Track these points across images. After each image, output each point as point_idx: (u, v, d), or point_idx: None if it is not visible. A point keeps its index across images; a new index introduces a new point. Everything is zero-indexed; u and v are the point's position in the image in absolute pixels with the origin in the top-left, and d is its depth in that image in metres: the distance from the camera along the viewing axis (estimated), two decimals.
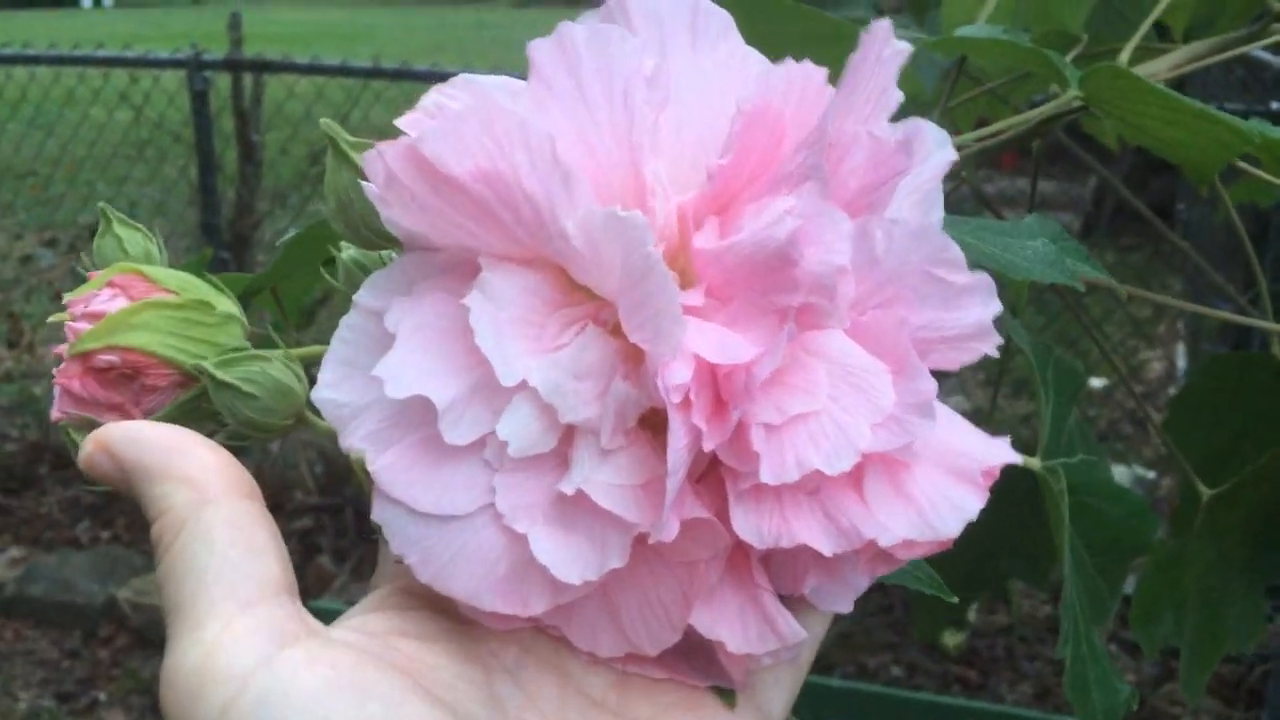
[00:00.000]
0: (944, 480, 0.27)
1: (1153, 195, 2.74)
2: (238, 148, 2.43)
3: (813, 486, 0.26)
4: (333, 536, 2.11)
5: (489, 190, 0.24)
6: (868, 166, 0.27)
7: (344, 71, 2.27)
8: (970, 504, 0.27)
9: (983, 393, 2.33)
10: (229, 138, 2.46)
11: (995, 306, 0.28)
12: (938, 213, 0.30)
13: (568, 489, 0.25)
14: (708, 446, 0.24)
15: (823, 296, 0.25)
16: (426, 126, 0.24)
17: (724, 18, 0.28)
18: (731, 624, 0.27)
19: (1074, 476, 0.58)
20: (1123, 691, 0.56)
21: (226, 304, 0.32)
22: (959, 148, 0.61)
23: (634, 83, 0.25)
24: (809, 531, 0.25)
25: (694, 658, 0.28)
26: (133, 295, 0.31)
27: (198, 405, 0.31)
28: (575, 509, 0.25)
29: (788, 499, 0.25)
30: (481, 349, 0.24)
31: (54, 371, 0.31)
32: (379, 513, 0.25)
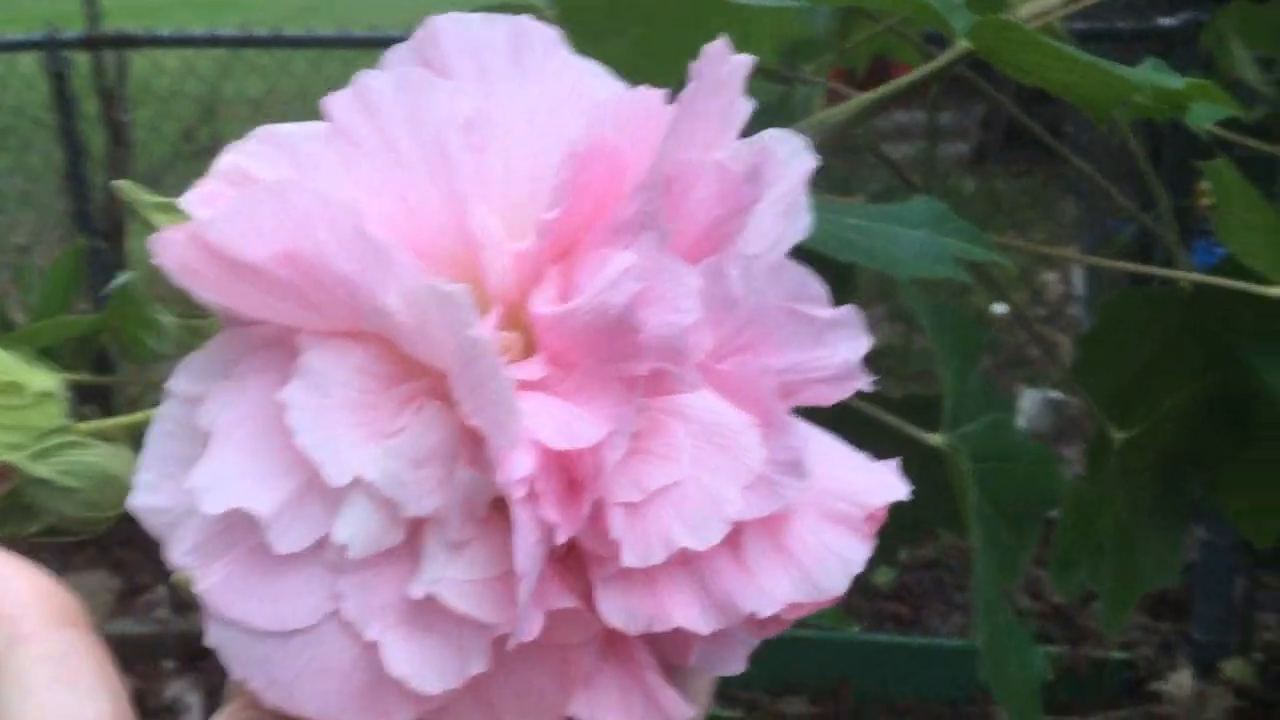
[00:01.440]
0: (827, 531, 0.25)
1: (1042, 118, 2.77)
2: (105, 130, 2.32)
3: (686, 558, 0.23)
4: None
5: (295, 273, 0.22)
6: (715, 199, 0.25)
7: (212, 42, 2.17)
8: (856, 555, 0.25)
9: (890, 328, 2.34)
10: (94, 120, 2.35)
11: (862, 343, 0.26)
12: (803, 219, 0.28)
13: (417, 592, 0.23)
14: (561, 539, 0.22)
15: (671, 360, 0.23)
16: (217, 207, 0.22)
17: (548, 37, 0.26)
18: (614, 709, 0.25)
19: (978, 443, 0.59)
20: (1038, 661, 0.58)
21: (41, 380, 0.29)
22: (842, 116, 0.60)
23: (447, 131, 0.24)
24: (684, 612, 0.23)
25: None
26: None
27: (14, 502, 0.28)
28: (430, 609, 0.23)
29: (659, 576, 0.24)
30: (305, 450, 0.22)
31: None
32: (213, 636, 0.23)
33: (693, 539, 0.23)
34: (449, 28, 0.25)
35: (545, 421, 0.23)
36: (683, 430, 0.24)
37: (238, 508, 0.22)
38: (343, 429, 0.23)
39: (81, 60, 2.28)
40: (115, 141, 2.31)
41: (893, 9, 0.61)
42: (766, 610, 0.24)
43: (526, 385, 0.23)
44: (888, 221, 0.46)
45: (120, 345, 0.40)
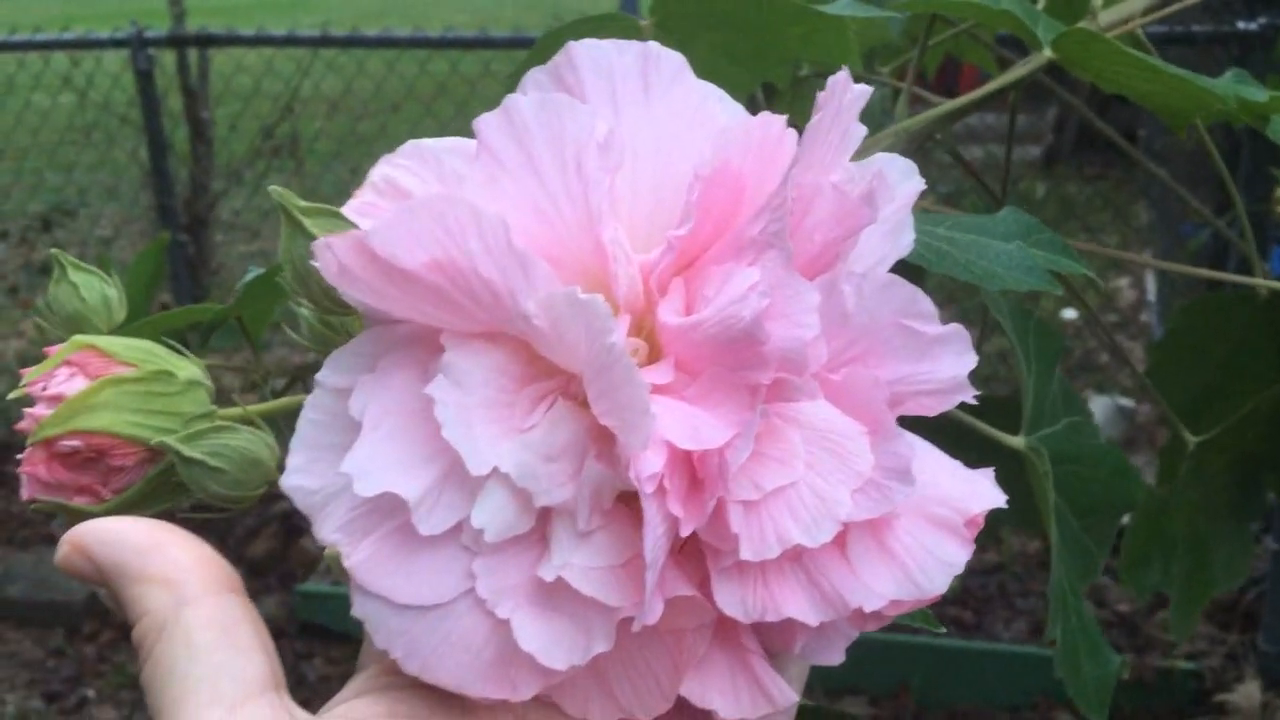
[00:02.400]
0: (928, 534, 0.27)
1: (1115, 122, 2.73)
2: (187, 126, 2.37)
3: (797, 554, 0.25)
4: None
5: (445, 279, 0.24)
6: (832, 221, 0.26)
7: (291, 41, 2.22)
8: (957, 558, 0.27)
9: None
10: (178, 116, 2.41)
11: (970, 359, 0.28)
12: (908, 236, 0.30)
13: (547, 575, 0.25)
14: (685, 531, 0.24)
15: (792, 371, 0.25)
16: (377, 216, 0.24)
17: (675, 61, 0.27)
18: (723, 691, 0.26)
19: (1058, 446, 0.59)
20: (1113, 661, 0.58)
21: (188, 369, 0.32)
22: (925, 123, 0.60)
23: (586, 151, 0.25)
24: (794, 603, 0.25)
25: (687, 716, 0.27)
26: (90, 373, 0.31)
27: (167, 480, 0.31)
28: (557, 591, 0.25)
29: (771, 570, 0.25)
30: (449, 440, 0.24)
31: (18, 458, 0.31)
32: (359, 608, 0.25)
33: (805, 536, 0.24)
34: (584, 53, 0.27)
35: (674, 423, 0.24)
36: (798, 436, 0.25)
37: (388, 491, 0.24)
38: (481, 424, 0.24)
39: (166, 58, 2.34)
40: (197, 138, 2.37)
41: (977, 18, 0.62)
42: (870, 605, 0.25)
43: (656, 389, 0.25)
44: (977, 233, 0.47)
45: (246, 338, 0.42)
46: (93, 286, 0.35)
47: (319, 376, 0.26)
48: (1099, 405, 2.22)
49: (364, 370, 0.25)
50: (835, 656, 0.28)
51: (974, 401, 0.28)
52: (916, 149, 0.59)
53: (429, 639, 0.25)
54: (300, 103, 2.67)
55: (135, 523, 0.27)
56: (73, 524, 0.27)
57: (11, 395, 0.31)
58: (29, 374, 0.31)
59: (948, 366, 0.27)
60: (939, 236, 0.45)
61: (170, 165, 2.33)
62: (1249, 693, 1.57)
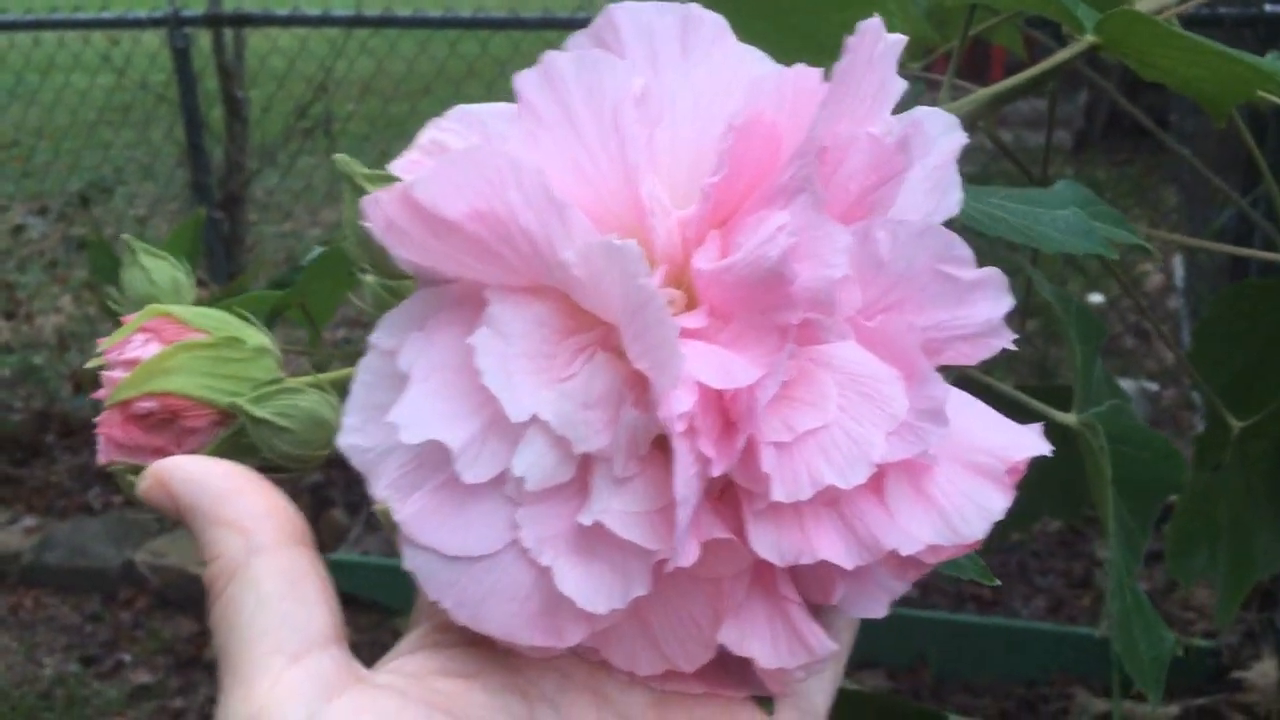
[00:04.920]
0: (968, 480, 0.27)
1: (1146, 107, 2.72)
2: (223, 105, 2.40)
3: (832, 498, 0.25)
4: (344, 490, 2.12)
5: (486, 229, 0.25)
6: (867, 168, 0.27)
7: (326, 22, 2.24)
8: (996, 504, 0.26)
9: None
10: (213, 96, 2.43)
11: (1006, 302, 0.27)
12: (955, 195, 0.29)
13: (586, 520, 0.25)
14: (716, 472, 0.24)
15: (821, 311, 0.25)
16: (422, 170, 0.25)
17: (716, 23, 0.28)
18: (762, 639, 0.27)
19: (1106, 426, 0.58)
20: (1168, 640, 0.58)
21: (257, 337, 0.33)
22: (974, 99, 0.60)
23: (623, 105, 0.25)
24: (830, 546, 0.25)
25: (731, 669, 0.28)
26: (165, 339, 0.32)
27: (238, 441, 0.32)
28: (597, 537, 0.25)
29: (807, 513, 0.25)
30: (489, 388, 0.25)
31: (95, 420, 0.32)
32: (409, 560, 0.26)
33: (838, 478, 0.24)
34: (624, 15, 0.27)
35: (705, 364, 0.24)
36: (831, 380, 0.25)
37: (432, 439, 0.25)
38: (522, 374, 0.25)
39: (202, 38, 2.37)
40: (232, 116, 2.40)
41: (1021, 6, 0.61)
42: (907, 549, 0.25)
43: (689, 333, 0.25)
44: (1031, 204, 0.46)
45: (308, 322, 0.43)
46: (163, 270, 0.36)
47: (371, 339, 0.26)
48: (1124, 388, 2.22)
49: (415, 330, 0.26)
50: (877, 609, 0.28)
51: (1013, 346, 0.28)
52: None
53: (477, 589, 0.26)
54: (333, 83, 2.69)
55: (218, 464, 0.28)
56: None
57: (90, 364, 0.32)
58: (105, 342, 0.32)
59: (984, 310, 0.27)
60: (993, 204, 0.45)
61: (206, 144, 2.35)
62: (1266, 670, 1.57)
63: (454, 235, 0.25)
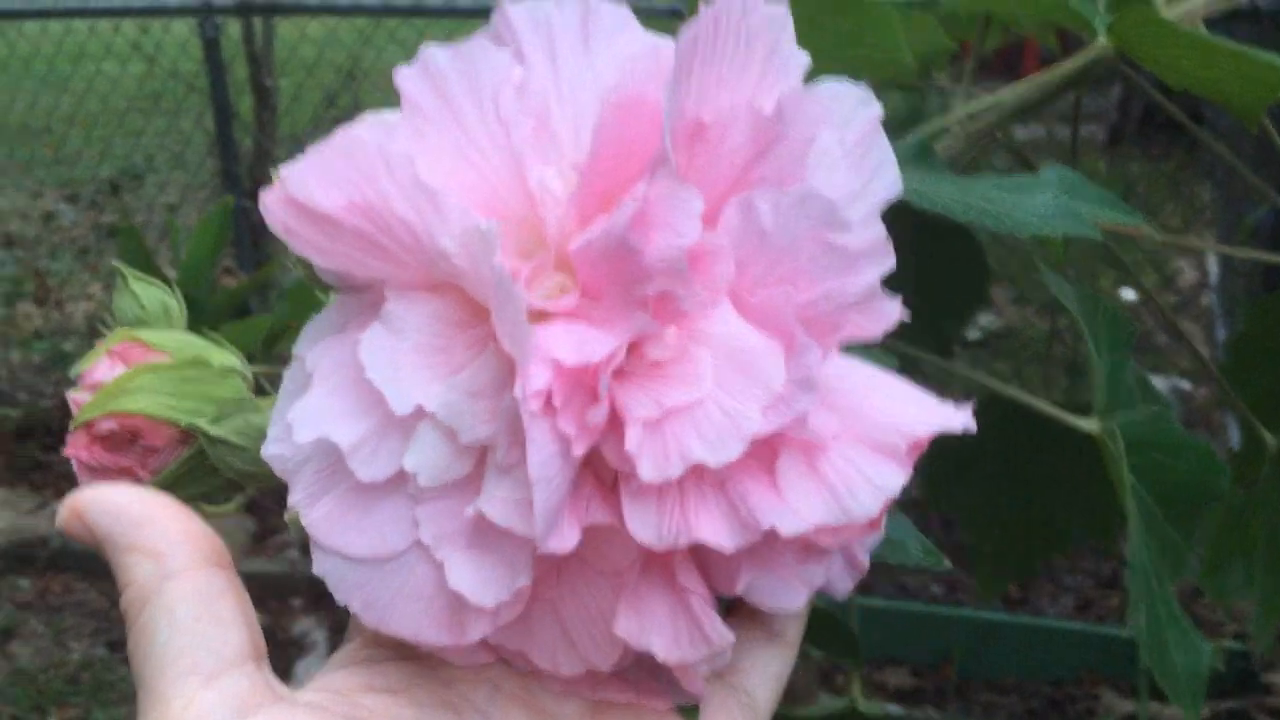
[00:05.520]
0: (863, 457, 0.25)
1: (1181, 101, 2.68)
2: (252, 94, 2.41)
3: (719, 478, 0.25)
4: None
5: (366, 222, 0.24)
6: (748, 142, 0.26)
7: (356, 11, 2.24)
8: (889, 480, 0.25)
9: (1015, 311, 2.31)
10: (243, 84, 2.44)
11: (887, 264, 0.27)
12: (889, 173, 0.28)
13: (470, 511, 0.25)
14: (578, 451, 0.24)
15: (674, 282, 0.24)
16: (293, 168, 0.24)
17: (619, 14, 0.27)
18: (661, 631, 0.26)
19: (1137, 432, 0.57)
20: (1205, 651, 0.56)
21: (225, 358, 0.33)
22: (992, 107, 0.58)
23: (502, 93, 0.25)
24: (709, 526, 0.24)
25: (659, 676, 0.27)
26: (130, 361, 0.32)
27: (201, 461, 0.32)
28: (486, 530, 0.25)
29: (691, 493, 0.25)
30: (373, 382, 0.24)
31: (65, 440, 0.32)
32: (318, 565, 0.26)
33: (710, 454, 0.23)
34: (520, 11, 0.27)
35: (562, 341, 0.24)
36: (707, 355, 0.25)
37: (323, 437, 0.25)
38: (411, 368, 0.25)
39: (232, 27, 2.38)
40: (261, 106, 2.41)
41: (1027, 10, 0.60)
42: (788, 528, 0.24)
43: (561, 314, 0.25)
44: (1012, 190, 0.45)
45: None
46: (153, 296, 0.36)
47: (294, 347, 0.26)
48: (1156, 385, 2.19)
49: (332, 336, 0.26)
50: (792, 599, 0.27)
51: (904, 316, 0.27)
52: (980, 145, 0.58)
53: (384, 591, 0.25)
54: (362, 73, 2.70)
55: (130, 492, 0.27)
56: None
57: (69, 392, 0.33)
58: (77, 366, 0.33)
59: (869, 276, 0.26)
60: (976, 194, 0.44)
61: (235, 132, 2.36)
62: None
63: (338, 231, 0.25)
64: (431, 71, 0.25)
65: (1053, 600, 1.81)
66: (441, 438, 0.25)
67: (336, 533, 0.25)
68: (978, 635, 1.67)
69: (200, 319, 0.36)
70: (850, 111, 0.27)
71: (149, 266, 1.97)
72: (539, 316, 0.25)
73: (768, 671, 0.29)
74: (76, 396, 0.32)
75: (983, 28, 0.64)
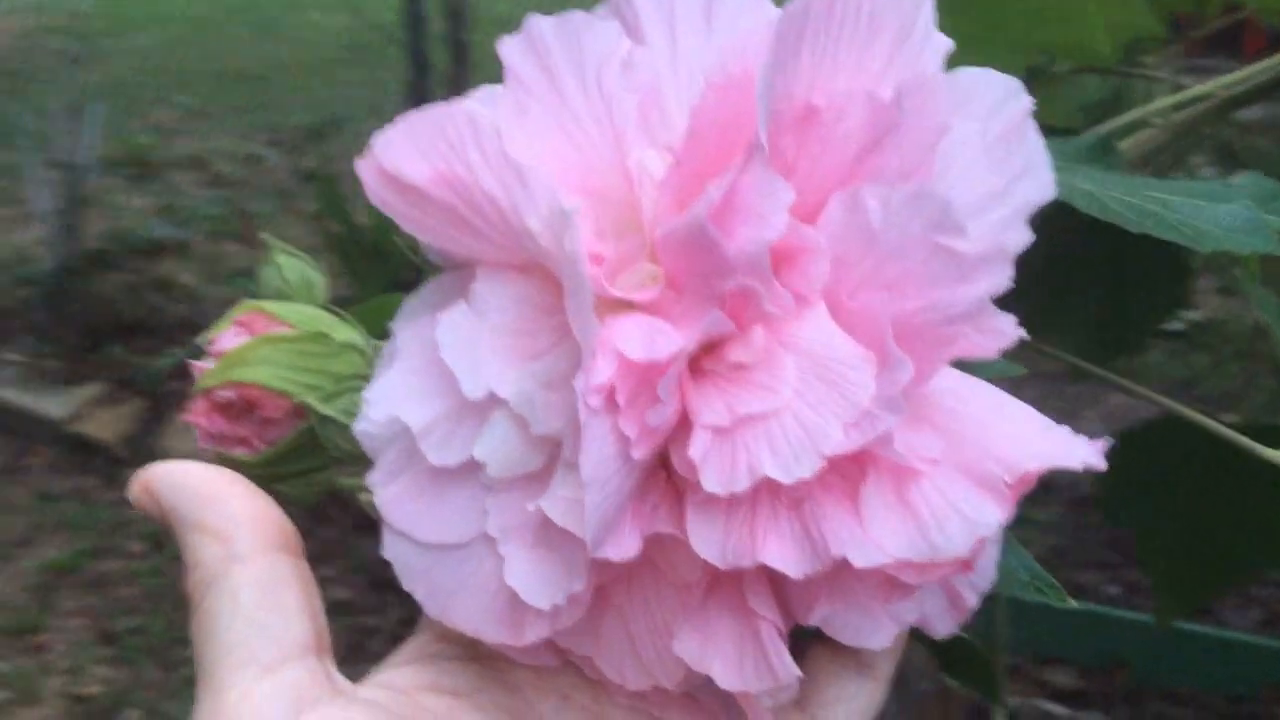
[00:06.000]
0: (959, 488, 0.23)
1: None
2: (449, 48, 2.46)
3: (797, 498, 0.23)
4: None
5: (452, 195, 0.23)
6: (864, 128, 0.24)
7: None
8: (985, 517, 0.23)
9: (1219, 302, 2.19)
10: (440, 39, 2.50)
11: (1004, 276, 0.23)
12: (1040, 174, 0.25)
13: (531, 507, 0.23)
14: (637, 454, 0.22)
15: (756, 279, 0.22)
16: (384, 138, 0.23)
17: None
18: (725, 656, 0.24)
19: None
20: None
21: (347, 333, 0.33)
22: (1203, 98, 0.54)
23: (607, 67, 0.24)
24: (777, 549, 0.23)
25: (729, 703, 0.26)
26: (254, 331, 0.32)
27: (312, 437, 0.31)
28: (551, 530, 0.23)
29: (763, 511, 0.23)
30: (446, 362, 0.23)
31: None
32: (388, 548, 0.25)
33: (781, 470, 0.22)
34: None
35: (631, 335, 0.22)
36: (792, 363, 0.23)
37: (393, 416, 0.24)
38: (490, 351, 0.23)
39: None
40: (457, 60, 2.46)
41: None
42: (864, 560, 0.22)
43: (640, 306, 0.23)
44: (1202, 198, 0.41)
45: None
46: (295, 268, 0.36)
47: (392, 325, 0.26)
48: None
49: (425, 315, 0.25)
50: (873, 639, 0.25)
51: (1025, 334, 0.23)
52: (1189, 140, 0.53)
53: (448, 581, 0.24)
54: None
55: (201, 469, 0.27)
56: (253, 478, 0.28)
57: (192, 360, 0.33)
58: (205, 334, 0.33)
59: (985, 289, 0.23)
60: (1152, 198, 0.40)
61: (431, 85, 2.42)
62: None
63: (427, 204, 0.23)
64: (535, 42, 0.24)
65: (1238, 611, 1.71)
66: (514, 427, 0.23)
67: (407, 515, 0.24)
68: (1153, 641, 1.59)
69: (386, 272, 0.36)
70: (997, 103, 0.25)
71: (343, 214, 2.04)
72: (621, 307, 0.23)
73: (852, 707, 0.27)
74: (199, 364, 0.32)
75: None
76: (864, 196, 0.23)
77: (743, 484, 0.22)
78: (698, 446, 0.22)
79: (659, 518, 0.23)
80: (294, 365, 0.32)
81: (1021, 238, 0.24)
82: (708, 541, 0.23)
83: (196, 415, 0.32)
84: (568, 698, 0.26)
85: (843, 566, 0.22)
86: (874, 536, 0.23)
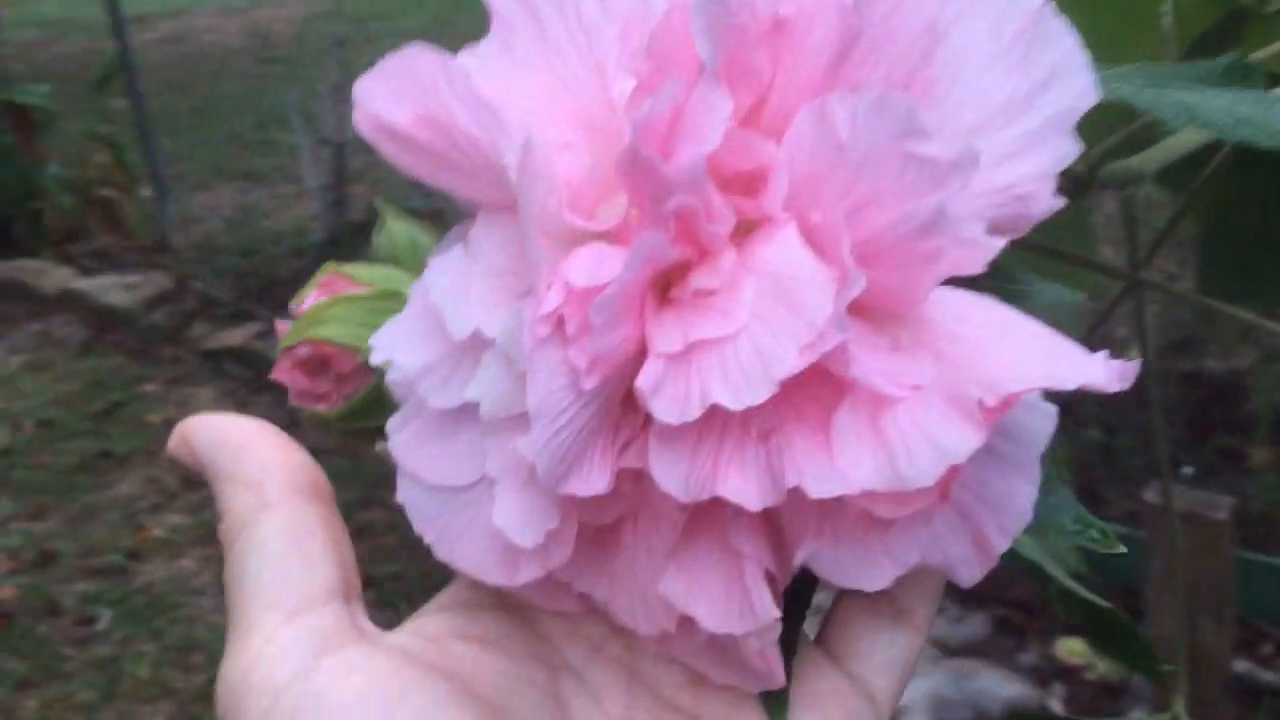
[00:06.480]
0: (933, 415, 0.21)
1: None
2: None
3: (767, 428, 0.21)
4: None
5: (434, 136, 0.23)
6: (833, 35, 0.22)
7: None
8: (955, 443, 0.21)
9: None
10: None
11: (969, 176, 0.21)
12: (1074, 77, 0.22)
13: (514, 447, 0.23)
14: (587, 385, 0.21)
15: (691, 193, 0.21)
16: (361, 83, 0.23)
17: None
18: (710, 596, 0.23)
19: None
20: None
21: None
22: None
23: (586, 1, 0.23)
24: (736, 480, 0.21)
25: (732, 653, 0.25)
26: (333, 292, 0.34)
27: (382, 393, 0.32)
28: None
29: (730, 443, 0.22)
30: (434, 302, 0.23)
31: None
32: (401, 491, 0.25)
33: (730, 396, 0.21)
34: None
35: (580, 264, 0.21)
36: (752, 285, 0.21)
37: (391, 357, 0.24)
38: (480, 291, 0.23)
39: None
40: None
41: None
42: (817, 489, 0.21)
43: (607, 236, 0.23)
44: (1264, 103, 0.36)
45: None
46: (404, 232, 0.37)
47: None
48: None
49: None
50: (869, 579, 0.23)
51: (996, 241, 0.21)
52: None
53: (455, 524, 0.24)
54: None
55: (235, 421, 0.27)
56: (336, 432, 0.29)
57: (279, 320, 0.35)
58: (295, 298, 0.34)
59: (955, 195, 0.21)
60: (1239, 104, 0.35)
61: None
62: None
63: (414, 147, 0.23)
64: None
65: None
66: (504, 367, 0.23)
67: (417, 458, 0.24)
68: None
69: None
70: (1007, 1, 0.22)
71: None
72: (591, 237, 0.23)
73: (888, 657, 0.26)
74: (280, 324, 0.34)
75: None
76: (831, 107, 0.21)
77: (694, 412, 0.21)
78: (649, 375, 0.21)
79: (630, 452, 0.23)
80: (364, 322, 0.33)
81: (1060, 149, 0.22)
82: (669, 474, 0.22)
83: (281, 373, 0.33)
84: (599, 648, 0.26)
85: (828, 502, 0.21)
86: (839, 466, 0.21)
